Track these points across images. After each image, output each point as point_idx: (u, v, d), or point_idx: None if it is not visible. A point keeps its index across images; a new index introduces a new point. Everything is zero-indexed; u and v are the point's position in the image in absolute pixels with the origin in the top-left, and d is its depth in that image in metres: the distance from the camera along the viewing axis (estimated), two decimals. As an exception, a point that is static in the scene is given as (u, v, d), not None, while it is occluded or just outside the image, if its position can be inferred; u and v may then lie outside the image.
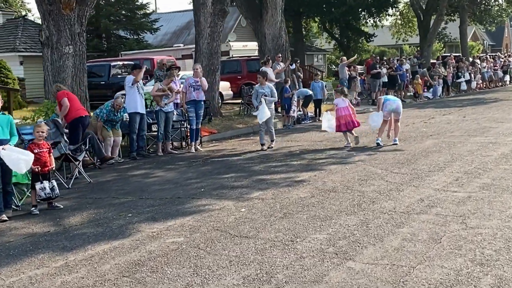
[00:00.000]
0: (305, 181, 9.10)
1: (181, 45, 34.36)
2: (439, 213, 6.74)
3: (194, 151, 13.37)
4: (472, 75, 33.48)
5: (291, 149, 13.08)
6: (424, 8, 40.08)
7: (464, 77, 32.46)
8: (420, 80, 28.31)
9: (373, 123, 13.18)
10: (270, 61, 19.57)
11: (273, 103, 13.77)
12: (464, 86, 32.57)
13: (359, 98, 25.40)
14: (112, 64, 26.17)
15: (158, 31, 40.52)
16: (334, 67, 48.74)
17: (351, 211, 7.10)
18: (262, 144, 13.35)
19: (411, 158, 10.85)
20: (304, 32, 54.11)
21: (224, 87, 22.55)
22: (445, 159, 10.53)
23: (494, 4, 44.97)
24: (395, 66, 26.60)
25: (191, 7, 54.62)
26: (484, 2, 42.57)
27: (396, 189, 8.24)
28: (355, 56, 25.62)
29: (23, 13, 43.35)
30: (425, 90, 29.54)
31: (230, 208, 7.52)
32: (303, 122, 19.43)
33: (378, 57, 27.92)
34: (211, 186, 9.09)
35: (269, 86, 13.58)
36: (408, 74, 28.25)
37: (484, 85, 35.56)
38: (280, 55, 20.77)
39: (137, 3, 35.09)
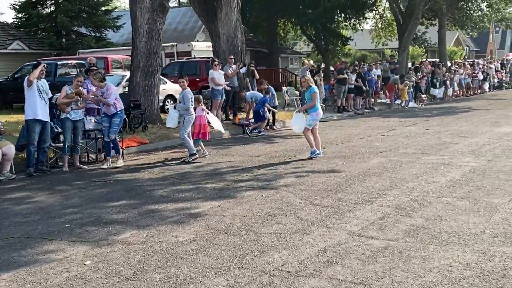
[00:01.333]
0: (200, 216, 7.37)
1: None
2: (334, 277, 5.02)
3: (105, 167, 11.59)
4: (448, 82, 31.99)
5: (219, 165, 11.36)
6: (404, 11, 38.55)
7: (438, 84, 30.96)
8: (399, 86, 26.75)
9: (295, 125, 12.45)
10: (217, 63, 17.85)
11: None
12: (439, 94, 31.09)
13: (323, 105, 23.70)
14: (59, 62, 24.29)
15: (122, 29, 38.69)
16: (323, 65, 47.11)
17: (226, 268, 5.37)
18: (192, 155, 11.93)
19: (344, 182, 9.16)
20: (283, 34, 52.57)
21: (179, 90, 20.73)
22: (382, 185, 8.85)
23: (475, 9, 43.49)
24: (364, 72, 24.96)
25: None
26: (464, 6, 41.03)
27: (303, 230, 6.53)
28: (322, 65, 23.59)
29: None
30: (396, 97, 28.00)
31: (75, 259, 5.77)
32: (255, 131, 17.70)
33: (347, 62, 26.23)
34: (82, 220, 7.33)
35: (185, 92, 12.04)
36: (376, 80, 26.63)
37: (461, 93, 34.09)
38: (232, 57, 19.04)
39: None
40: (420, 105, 26.26)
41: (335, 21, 41.19)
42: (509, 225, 6.48)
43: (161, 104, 21.84)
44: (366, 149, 12.88)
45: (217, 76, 17.37)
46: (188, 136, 12.22)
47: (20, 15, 33.74)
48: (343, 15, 42.57)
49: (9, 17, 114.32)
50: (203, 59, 25.30)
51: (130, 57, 27.49)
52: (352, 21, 46.56)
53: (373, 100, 26.54)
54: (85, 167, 11.70)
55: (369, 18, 48.45)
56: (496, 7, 40.77)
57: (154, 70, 16.46)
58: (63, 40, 33.29)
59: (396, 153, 12.09)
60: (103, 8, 34.34)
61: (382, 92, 28.28)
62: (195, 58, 26.58)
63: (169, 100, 22.28)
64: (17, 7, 33.43)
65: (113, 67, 26.04)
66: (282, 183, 9.31)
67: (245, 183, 9.43)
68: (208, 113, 13.27)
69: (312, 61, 51.11)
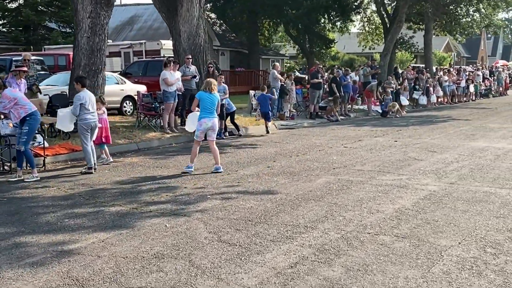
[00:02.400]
0: (70, 255, 5.87)
1: (109, 41, 30.92)
2: None
3: (13, 179, 10.05)
4: (431, 88, 30.59)
5: (144, 181, 9.85)
6: (392, 15, 37.16)
7: (422, 91, 29.56)
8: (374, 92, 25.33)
9: (188, 124, 11.91)
10: (172, 63, 16.36)
11: None
12: (423, 101, 29.66)
13: (294, 111, 22.28)
14: (14, 58, 22.70)
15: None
16: (296, 74, 45.67)
17: None
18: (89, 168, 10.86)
19: (273, 209, 7.67)
20: (267, 35, 51.15)
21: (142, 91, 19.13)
22: (315, 214, 7.36)
23: (464, 14, 42.13)
24: (339, 77, 23.50)
25: (135, 1, 51.50)
26: (452, 11, 39.65)
27: (183, 284, 5.04)
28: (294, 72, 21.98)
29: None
30: (376, 104, 26.59)
31: None
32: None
33: (321, 65, 24.79)
34: None
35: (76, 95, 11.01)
36: (353, 85, 25.20)
37: (446, 100, 32.69)
38: (190, 57, 17.54)
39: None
40: (397, 115, 24.66)
41: (318, 22, 39.76)
42: (449, 283, 5.00)
43: (118, 105, 20.43)
44: (320, 164, 11.41)
45: (169, 76, 15.87)
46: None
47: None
48: (326, 16, 41.16)
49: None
50: (169, 58, 23.78)
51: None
52: (337, 23, 45.24)
53: (349, 106, 25.12)
54: (-8, 178, 10.16)
55: (355, 21, 47.14)
56: (485, 12, 39.43)
57: (98, 69, 14.94)
58: (30, 34, 31.74)
59: (350, 171, 10.61)
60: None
61: (360, 98, 26.87)
62: (164, 56, 24.86)
63: (127, 102, 20.81)
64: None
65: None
66: (200, 208, 7.81)
67: (157, 207, 7.93)
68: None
69: (294, 64, 49.76)
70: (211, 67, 17.75)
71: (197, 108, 11.10)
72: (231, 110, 17.00)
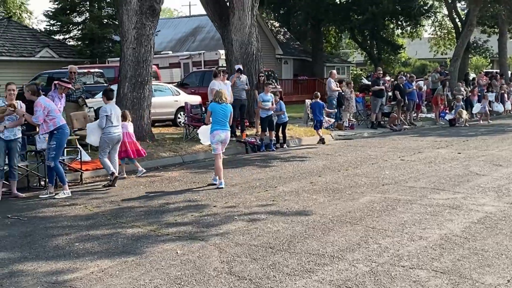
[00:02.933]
0: None
1: (169, 52, 30.97)
2: None
3: (44, 196, 9.69)
4: (506, 95, 28.74)
5: (174, 198, 9.27)
6: (464, 19, 35.41)
7: (494, 97, 27.76)
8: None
9: (202, 138, 11.45)
10: (221, 73, 15.83)
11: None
12: (498, 108, 27.80)
13: (354, 120, 21.27)
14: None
15: (162, 37, 37.37)
16: (362, 81, 44.43)
17: None
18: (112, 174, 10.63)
19: (301, 234, 6.89)
20: (333, 42, 50.21)
21: (194, 102, 18.69)
22: (347, 241, 6.53)
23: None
24: (403, 83, 22.33)
25: (199, 12, 50.96)
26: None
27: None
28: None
29: (23, 15, 40.82)
30: (446, 111, 25.18)
31: None
32: (262, 149, 15.56)
33: (381, 71, 23.64)
34: None
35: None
36: (419, 92, 23.93)
37: (523, 108, 30.63)
38: (241, 66, 16.94)
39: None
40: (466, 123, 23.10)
41: (385, 28, 38.43)
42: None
43: (172, 117, 20.10)
44: (369, 179, 10.50)
45: (217, 86, 15.30)
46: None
47: (52, 22, 32.78)
48: (394, 21, 39.81)
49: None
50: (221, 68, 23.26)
51: (155, 66, 26.24)
52: (408, 28, 43.78)
53: (415, 114, 23.86)
54: (23, 195, 9.83)
55: (425, 26, 45.49)
56: None
57: (144, 80, 14.56)
58: (94, 47, 32.13)
59: (400, 187, 9.66)
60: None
61: (424, 106, 25.50)
62: (222, 67, 24.33)
63: (182, 113, 20.44)
64: (50, 13, 32.51)
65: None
66: (222, 231, 7.13)
67: (177, 229, 7.30)
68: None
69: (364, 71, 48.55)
70: (262, 76, 17.10)
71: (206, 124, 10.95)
72: (283, 120, 16.25)
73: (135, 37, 14.34)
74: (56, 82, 12.27)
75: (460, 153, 13.83)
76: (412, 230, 6.95)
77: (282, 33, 43.96)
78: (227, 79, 16.24)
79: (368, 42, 43.98)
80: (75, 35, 32.73)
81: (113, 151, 10.93)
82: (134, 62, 14.43)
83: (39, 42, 30.93)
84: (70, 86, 12.45)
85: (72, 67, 14.57)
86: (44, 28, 33.37)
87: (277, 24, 42.75)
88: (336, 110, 19.87)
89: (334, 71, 20.42)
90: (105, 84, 21.00)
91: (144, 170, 11.67)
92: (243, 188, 10.02)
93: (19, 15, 39.58)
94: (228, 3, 18.49)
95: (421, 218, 7.53)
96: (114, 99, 11.38)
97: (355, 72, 48.14)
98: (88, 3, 31.66)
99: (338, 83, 20.54)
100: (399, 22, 40.04)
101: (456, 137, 17.57)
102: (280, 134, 16.30)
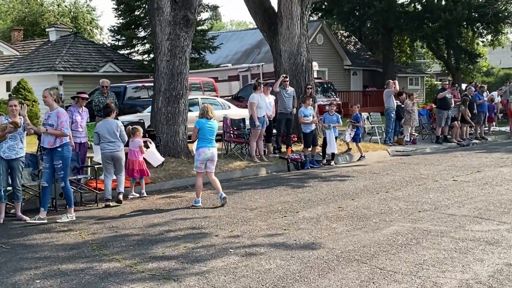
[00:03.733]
0: None
1: (229, 65, 30.33)
2: None
3: (36, 220, 8.95)
4: None
5: (177, 225, 8.41)
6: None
7: None
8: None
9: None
10: (262, 85, 14.91)
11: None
12: None
13: (416, 135, 19.72)
14: (128, 85, 22.68)
15: (227, 50, 37.00)
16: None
17: None
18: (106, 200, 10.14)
19: (290, 276, 5.82)
20: (409, 52, 48.30)
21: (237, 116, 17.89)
22: (343, 285, 5.40)
23: None
24: (471, 94, 20.63)
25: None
26: None
27: None
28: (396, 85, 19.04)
29: (94, 31, 41.54)
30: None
31: None
32: (307, 167, 14.50)
33: (448, 81, 21.96)
34: None
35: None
36: (491, 104, 22.08)
37: None
38: (287, 78, 15.93)
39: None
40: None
41: (461, 36, 36.26)
42: None
43: (221, 131, 19.30)
44: (405, 204, 9.24)
45: (256, 100, 14.41)
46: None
47: (117, 37, 33.03)
48: (470, 29, 37.55)
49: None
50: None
51: (212, 79, 25.68)
52: (488, 36, 41.38)
53: (486, 128, 21.99)
54: (27, 218, 9.19)
55: (506, 33, 42.71)
56: None
57: (179, 94, 13.85)
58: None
59: (437, 215, 8.36)
60: (198, 28, 32.59)
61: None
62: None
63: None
64: (115, 29, 32.78)
65: (191, 89, 24.02)
66: (206, 268, 6.17)
67: (157, 264, 6.40)
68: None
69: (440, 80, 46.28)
70: (310, 88, 16.00)
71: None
72: (336, 135, 15.13)
73: (168, 48, 13.67)
74: (73, 96, 11.75)
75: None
76: (428, 273, 5.73)
77: (352, 43, 42.61)
78: (269, 92, 15.31)
79: (445, 51, 41.86)
80: (139, 49, 32.83)
81: (117, 170, 10.27)
82: (168, 75, 13.76)
83: (104, 57, 31.16)
84: (86, 96, 11.79)
85: (104, 81, 14.09)
86: (109, 43, 33.65)
87: (345, 34, 41.48)
88: (394, 121, 18.43)
89: (392, 81, 18.93)
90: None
91: (137, 195, 10.95)
92: (261, 213, 9.02)
93: (89, 30, 40.30)
94: (277, 12, 17.55)
95: (446, 256, 6.27)
96: (114, 114, 10.69)
97: (430, 82, 45.95)
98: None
99: (398, 95, 19.12)
100: (478, 30, 37.75)
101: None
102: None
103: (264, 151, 15.31)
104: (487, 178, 11.72)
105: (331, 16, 39.17)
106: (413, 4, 36.55)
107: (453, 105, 19.62)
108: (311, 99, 14.91)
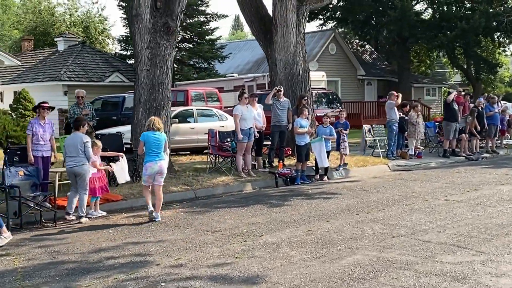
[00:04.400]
0: None
1: (235, 75, 29.68)
2: None
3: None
4: None
5: (123, 251, 7.67)
6: None
7: None
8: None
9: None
10: (246, 96, 14.18)
11: None
12: None
13: (421, 148, 18.72)
14: (126, 96, 22.17)
15: (236, 59, 36.42)
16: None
17: None
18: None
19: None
20: (428, 62, 47.18)
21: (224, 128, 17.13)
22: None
23: None
24: (481, 106, 19.62)
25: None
26: None
27: None
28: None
29: (106, 40, 41.25)
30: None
31: None
32: (297, 182, 13.71)
33: (458, 91, 20.92)
34: None
35: None
36: (503, 116, 21.00)
37: None
38: (281, 88, 15.16)
39: (199, 28, 30.92)
40: None
41: (479, 45, 35.03)
42: None
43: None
44: (383, 228, 8.41)
45: (240, 112, 13.68)
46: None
47: (126, 46, 32.67)
48: (490, 38, 36.34)
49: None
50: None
51: (216, 90, 25.05)
52: (511, 45, 40.21)
53: (498, 141, 20.91)
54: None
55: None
56: None
57: (160, 105, 13.16)
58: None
59: (411, 242, 7.50)
60: (207, 38, 32.06)
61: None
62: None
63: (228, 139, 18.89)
64: (123, 38, 32.42)
65: (193, 100, 23.43)
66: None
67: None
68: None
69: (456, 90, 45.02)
70: (306, 99, 15.17)
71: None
72: (329, 149, 14.30)
73: (148, 57, 13.01)
74: (36, 105, 11.04)
75: (521, 191, 11.28)
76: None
77: (368, 52, 41.69)
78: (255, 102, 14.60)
79: (465, 60, 40.72)
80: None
81: (79, 186, 9.67)
82: (148, 85, 13.09)
83: (111, 66, 30.78)
84: (46, 105, 11.00)
85: (79, 92, 13.48)
86: (116, 53, 33.31)
87: (361, 44, 40.58)
88: (396, 134, 17.50)
89: (394, 93, 18.02)
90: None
91: (101, 214, 10.23)
92: (222, 237, 8.25)
93: (101, 40, 40.04)
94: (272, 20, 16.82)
95: (402, 297, 5.43)
96: (84, 128, 10.05)
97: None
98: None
99: (402, 106, 18.21)
100: (498, 39, 36.54)
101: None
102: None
103: (254, 165, 14.57)
104: (483, 197, 10.79)
105: (346, 25, 38.32)
106: (428, 13, 35.54)
107: (461, 117, 18.66)
108: (306, 110, 14.11)
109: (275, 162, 14.85)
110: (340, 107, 21.91)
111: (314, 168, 14.43)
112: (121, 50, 33.21)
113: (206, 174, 13.72)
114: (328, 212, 9.86)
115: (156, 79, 13.10)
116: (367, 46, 42.37)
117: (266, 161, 14.97)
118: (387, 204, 10.41)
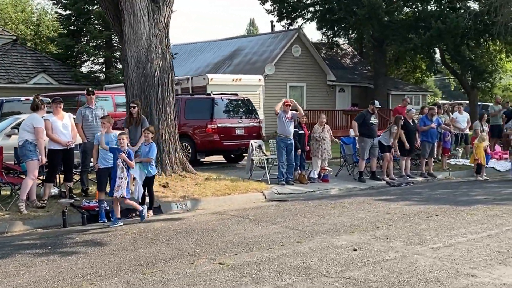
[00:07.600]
0: None
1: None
2: None
3: None
4: None
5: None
6: None
7: None
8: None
9: None
10: (43, 104, 10.71)
11: None
12: None
13: (329, 169, 14.97)
14: (5, 100, 18.85)
15: (194, 62, 33.17)
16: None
17: None
18: None
19: None
20: (424, 67, 43.03)
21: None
22: None
23: None
24: (412, 118, 15.84)
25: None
26: None
27: None
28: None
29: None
30: (503, 156, 18.40)
31: None
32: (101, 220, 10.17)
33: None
34: None
35: None
36: (443, 132, 17.12)
37: None
38: (93, 91, 11.82)
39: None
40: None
41: (459, 46, 30.70)
42: None
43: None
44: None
45: (36, 122, 10.23)
46: None
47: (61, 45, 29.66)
48: (483, 40, 32.22)
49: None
50: (210, 95, 17.78)
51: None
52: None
53: (448, 161, 17.11)
54: None
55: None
56: None
57: None
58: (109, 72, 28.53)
59: None
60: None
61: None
62: (210, 94, 18.61)
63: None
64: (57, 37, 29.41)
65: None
66: None
67: None
68: None
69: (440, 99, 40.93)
70: (135, 107, 11.63)
71: None
72: (150, 174, 10.65)
73: None
74: None
75: (355, 249, 7.54)
76: None
77: (349, 56, 37.91)
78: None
79: (454, 66, 36.66)
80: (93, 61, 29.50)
81: None
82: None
83: (41, 67, 27.81)
84: None
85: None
86: (48, 52, 30.31)
87: (346, 47, 36.98)
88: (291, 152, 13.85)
89: (286, 99, 14.33)
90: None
91: None
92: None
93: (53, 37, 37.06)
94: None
95: None
96: None
97: (431, 101, 40.62)
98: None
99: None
100: (486, 42, 32.40)
101: (453, 205, 11.08)
102: (146, 193, 10.75)
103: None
104: (300, 255, 7.11)
105: (317, 23, 34.62)
106: (402, 12, 31.56)
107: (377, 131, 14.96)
108: (149, 134, 10.61)
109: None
110: (256, 117, 18.19)
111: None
112: (59, 49, 30.08)
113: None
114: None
115: None
116: (349, 49, 38.60)
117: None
118: (140, 266, 6.81)
